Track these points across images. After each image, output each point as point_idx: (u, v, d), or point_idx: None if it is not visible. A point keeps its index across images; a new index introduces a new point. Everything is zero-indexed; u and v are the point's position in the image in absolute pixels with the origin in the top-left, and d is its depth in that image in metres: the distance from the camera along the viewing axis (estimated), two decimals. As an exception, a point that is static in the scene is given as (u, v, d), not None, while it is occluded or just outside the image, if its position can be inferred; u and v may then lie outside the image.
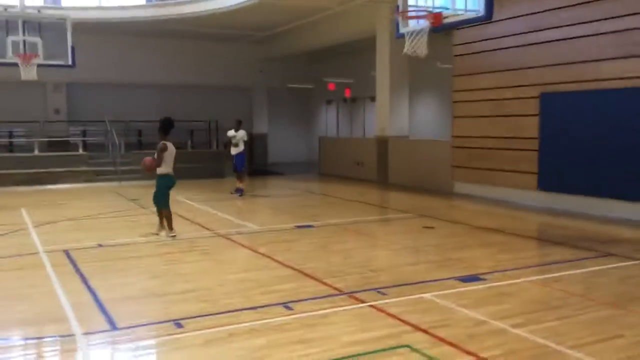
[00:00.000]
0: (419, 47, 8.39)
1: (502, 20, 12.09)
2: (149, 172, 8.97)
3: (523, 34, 12.03)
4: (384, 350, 4.38)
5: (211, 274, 6.91)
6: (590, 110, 10.77)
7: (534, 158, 11.88)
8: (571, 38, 11.07)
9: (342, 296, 5.77)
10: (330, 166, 19.84)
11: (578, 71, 10.99)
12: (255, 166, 22.40)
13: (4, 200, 13.71)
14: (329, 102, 25.44)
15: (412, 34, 8.34)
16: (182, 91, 22.39)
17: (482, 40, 13.00)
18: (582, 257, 7.47)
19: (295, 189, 16.13)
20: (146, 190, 8.96)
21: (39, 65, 12.67)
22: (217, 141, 20.59)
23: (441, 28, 8.38)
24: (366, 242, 9.04)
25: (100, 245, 8.30)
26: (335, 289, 6.02)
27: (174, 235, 8.77)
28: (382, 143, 16.36)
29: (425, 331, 4.76)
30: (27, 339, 4.79)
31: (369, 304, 5.50)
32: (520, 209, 11.73)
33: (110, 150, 18.11)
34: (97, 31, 18.77)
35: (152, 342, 4.65)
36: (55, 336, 4.77)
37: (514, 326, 4.87)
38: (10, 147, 19.15)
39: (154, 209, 9.23)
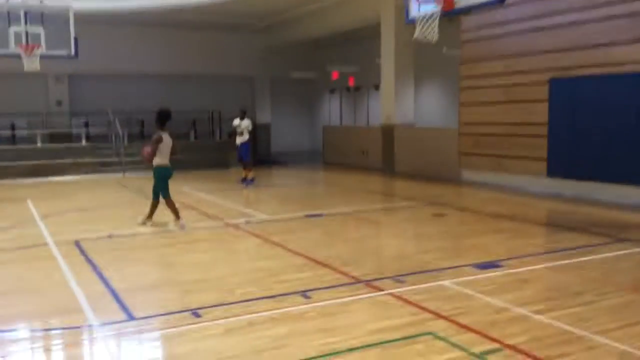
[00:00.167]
0: (429, 33, 8.26)
1: (511, 5, 11.94)
2: (147, 163, 8.91)
3: (532, 19, 11.90)
4: (407, 338, 4.33)
5: (225, 263, 6.86)
6: (601, 96, 10.66)
7: (544, 144, 11.78)
8: (581, 22, 10.95)
9: (359, 284, 5.71)
10: (334, 155, 19.75)
11: (588, 56, 10.87)
12: (258, 156, 22.30)
13: (9, 192, 13.64)
14: (332, 91, 25.29)
15: (422, 18, 8.21)
16: (185, 81, 22.25)
17: (491, 25, 12.86)
18: (596, 243, 7.40)
19: (301, 178, 16.03)
20: (151, 182, 8.88)
21: (41, 57, 12.56)
22: (220, 131, 20.50)
23: (452, 12, 8.25)
24: (378, 230, 8.98)
25: (110, 236, 8.23)
26: (352, 277, 5.96)
27: (182, 224, 8.68)
28: (388, 131, 16.25)
29: (446, 318, 4.70)
30: (45, 329, 4.72)
31: (387, 291, 5.44)
32: (529, 195, 11.65)
33: (114, 142, 18.02)
34: (99, 22, 18.62)
35: (171, 331, 4.58)
36: (72, 327, 4.71)
37: (536, 312, 4.81)
38: (13, 139, 19.05)
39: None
